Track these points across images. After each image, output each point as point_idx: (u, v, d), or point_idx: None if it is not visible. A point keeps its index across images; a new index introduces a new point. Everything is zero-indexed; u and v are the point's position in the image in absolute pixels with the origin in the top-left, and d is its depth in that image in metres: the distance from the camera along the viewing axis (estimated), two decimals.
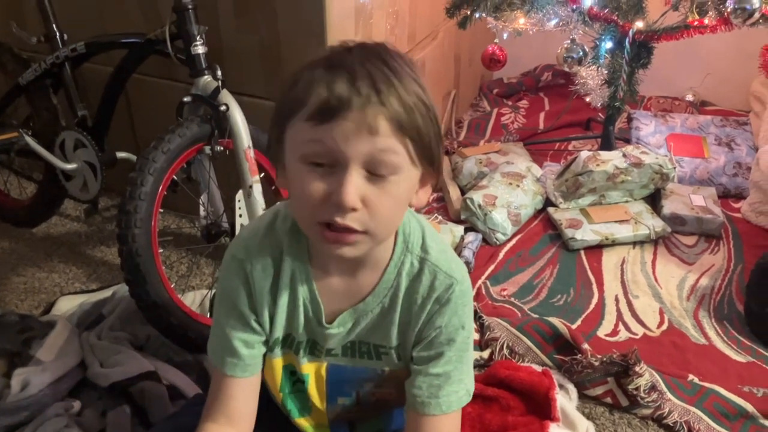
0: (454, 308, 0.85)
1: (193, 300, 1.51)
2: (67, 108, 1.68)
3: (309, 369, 0.92)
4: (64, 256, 1.73)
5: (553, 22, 1.72)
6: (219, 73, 1.40)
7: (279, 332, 0.89)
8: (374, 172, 0.73)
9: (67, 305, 1.51)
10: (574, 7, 1.64)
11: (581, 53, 1.70)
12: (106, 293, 1.51)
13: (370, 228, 0.75)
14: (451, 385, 0.87)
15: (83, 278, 1.65)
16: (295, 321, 0.88)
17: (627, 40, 1.62)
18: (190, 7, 1.38)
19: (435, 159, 0.77)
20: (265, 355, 0.92)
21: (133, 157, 1.68)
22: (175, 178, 1.40)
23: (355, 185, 0.72)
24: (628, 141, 2.08)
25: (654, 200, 1.86)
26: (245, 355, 0.88)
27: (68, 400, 1.23)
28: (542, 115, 2.35)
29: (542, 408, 1.23)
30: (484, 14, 1.77)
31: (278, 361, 0.92)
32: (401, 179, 0.74)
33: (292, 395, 0.95)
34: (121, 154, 1.69)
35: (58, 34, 1.63)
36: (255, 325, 0.88)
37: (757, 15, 1.50)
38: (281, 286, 0.86)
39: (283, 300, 0.86)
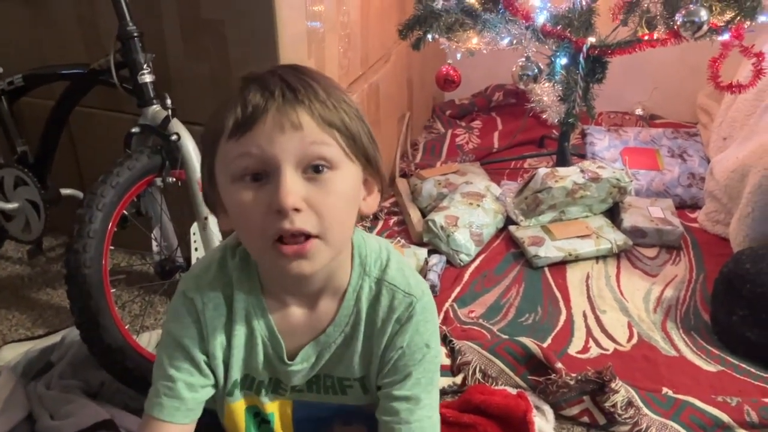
0: (416, 326, 0.82)
1: (148, 341, 1.43)
2: (5, 144, 1.60)
3: (273, 408, 0.88)
4: (6, 301, 1.63)
5: (506, 40, 1.72)
6: (168, 101, 1.35)
7: (237, 374, 0.84)
8: (310, 170, 0.70)
9: (11, 354, 1.40)
10: (527, 24, 1.65)
11: (536, 70, 1.71)
12: (55, 338, 1.42)
13: (322, 231, 0.71)
14: (423, 409, 0.84)
15: (28, 324, 1.55)
16: (254, 360, 0.83)
17: (581, 55, 1.64)
18: (135, 34, 1.33)
19: (371, 157, 0.75)
20: (218, 401, 0.88)
21: (79, 194, 1.62)
22: (125, 213, 1.34)
23: (291, 185, 0.69)
24: (582, 156, 2.10)
25: (613, 214, 1.87)
26: (188, 399, 0.83)
27: None
28: (496, 135, 2.36)
29: None
30: (437, 35, 1.77)
31: (239, 405, 0.88)
32: (341, 175, 0.72)
33: None
34: (65, 191, 1.62)
35: None
36: (204, 366, 0.83)
37: (705, 28, 1.53)
38: (236, 324, 0.81)
39: (239, 339, 0.82)
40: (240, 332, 0.82)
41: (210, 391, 0.86)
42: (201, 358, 0.83)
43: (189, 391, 0.83)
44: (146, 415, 0.84)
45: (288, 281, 0.79)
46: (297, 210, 0.69)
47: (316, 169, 0.70)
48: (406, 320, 0.82)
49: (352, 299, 0.82)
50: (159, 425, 0.83)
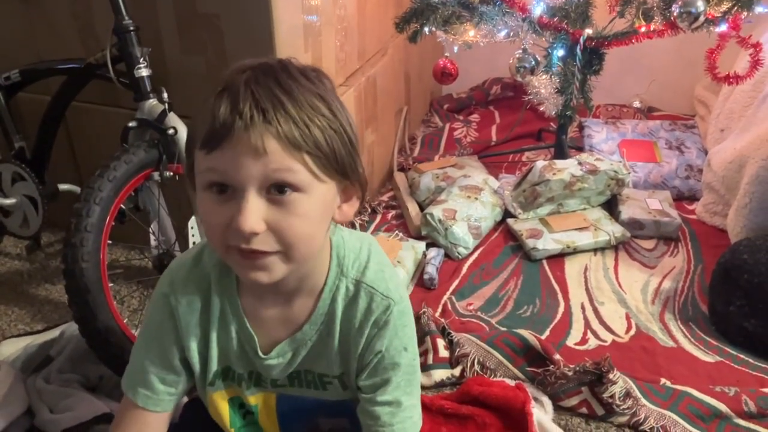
0: (394, 330, 0.82)
1: None
2: (2, 140, 1.60)
3: (257, 399, 0.89)
4: (5, 296, 1.63)
5: (503, 33, 1.72)
6: (165, 95, 1.35)
7: (215, 365, 0.86)
8: (274, 192, 0.70)
9: (11, 349, 1.41)
10: (524, 16, 1.65)
11: (533, 62, 1.71)
12: (53, 333, 1.42)
13: (283, 249, 0.71)
14: (404, 411, 0.85)
15: (27, 319, 1.55)
16: (230, 353, 0.85)
17: (578, 47, 1.63)
18: (131, 28, 1.33)
19: (348, 171, 0.74)
20: (200, 391, 0.89)
21: (77, 189, 1.61)
22: (122, 207, 1.34)
23: (253, 210, 0.69)
24: (580, 149, 2.10)
25: (611, 206, 1.87)
26: (160, 390, 0.86)
27: None
28: (494, 128, 2.36)
29: (519, 423, 1.21)
30: (433, 28, 1.77)
31: (221, 395, 0.89)
32: (308, 197, 0.71)
33: (245, 429, 0.92)
34: (63, 186, 1.62)
35: None
36: (176, 363, 0.85)
37: (702, 18, 1.53)
38: (211, 319, 0.83)
39: (214, 333, 0.84)
40: (215, 327, 0.84)
41: (183, 387, 0.88)
42: (174, 354, 0.85)
43: (161, 383, 0.86)
44: (125, 396, 0.88)
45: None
46: (255, 233, 0.69)
47: (281, 191, 0.70)
48: (383, 324, 0.82)
49: (328, 299, 0.82)
50: (135, 409, 0.87)
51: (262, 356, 0.84)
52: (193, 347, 0.84)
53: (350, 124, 0.74)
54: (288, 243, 0.71)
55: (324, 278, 0.82)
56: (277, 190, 0.69)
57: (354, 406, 0.88)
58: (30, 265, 1.74)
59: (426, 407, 1.19)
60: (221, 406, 0.89)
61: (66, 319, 1.48)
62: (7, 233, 1.65)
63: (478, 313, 1.54)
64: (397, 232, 1.79)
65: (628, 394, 1.26)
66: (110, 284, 1.26)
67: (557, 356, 1.33)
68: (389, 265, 0.86)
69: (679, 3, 1.54)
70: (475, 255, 1.74)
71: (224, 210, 0.70)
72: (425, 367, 1.36)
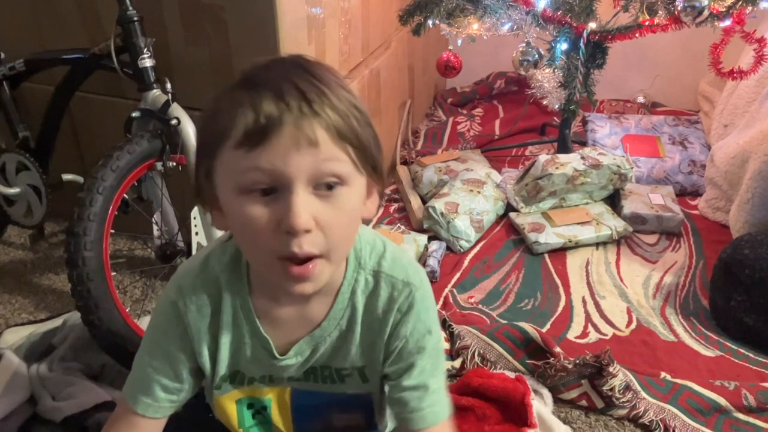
0: (417, 314, 0.82)
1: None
2: (7, 129, 1.61)
3: (271, 393, 0.88)
4: (9, 285, 1.64)
5: (507, 26, 1.72)
6: (168, 86, 1.35)
7: (223, 369, 0.84)
8: (322, 187, 0.68)
9: (14, 337, 1.41)
10: (528, 10, 1.65)
11: (536, 56, 1.71)
12: (56, 322, 1.43)
13: (327, 250, 0.70)
14: (433, 395, 0.83)
15: (30, 308, 1.56)
16: (240, 358, 0.83)
17: (581, 41, 1.63)
18: (135, 18, 1.33)
19: (377, 164, 0.73)
20: (207, 394, 0.88)
21: (80, 179, 1.62)
22: (125, 197, 1.34)
23: (304, 205, 0.67)
24: (583, 144, 2.10)
25: (613, 201, 1.87)
26: (162, 398, 0.84)
27: None
28: (497, 122, 2.35)
29: (518, 415, 1.21)
30: (437, 21, 1.76)
31: (228, 397, 0.88)
32: (351, 190, 0.70)
33: (256, 428, 0.91)
34: (67, 176, 1.62)
35: None
36: (182, 370, 0.83)
37: (706, 13, 1.52)
38: (222, 324, 0.81)
39: (226, 338, 0.82)
40: (227, 332, 0.82)
41: (185, 395, 0.86)
42: (181, 361, 0.83)
43: (163, 391, 0.84)
44: (122, 401, 0.85)
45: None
46: (307, 231, 0.68)
47: (329, 186, 0.68)
48: (407, 310, 0.81)
49: (347, 293, 0.81)
50: (132, 415, 0.84)
51: (279, 357, 0.82)
52: (205, 353, 0.82)
53: None
54: (333, 241, 0.70)
55: (342, 274, 0.81)
56: (325, 186, 0.68)
57: (369, 400, 0.87)
58: (33, 255, 1.75)
59: None
60: (229, 407, 0.88)
61: (69, 308, 1.49)
62: (11, 223, 1.66)
63: (480, 306, 1.54)
64: (399, 225, 1.80)
65: (627, 388, 1.26)
66: (113, 274, 1.27)
67: (558, 349, 1.33)
68: (404, 251, 0.86)
69: None
70: (477, 248, 1.74)
71: (270, 212, 0.67)
72: None
